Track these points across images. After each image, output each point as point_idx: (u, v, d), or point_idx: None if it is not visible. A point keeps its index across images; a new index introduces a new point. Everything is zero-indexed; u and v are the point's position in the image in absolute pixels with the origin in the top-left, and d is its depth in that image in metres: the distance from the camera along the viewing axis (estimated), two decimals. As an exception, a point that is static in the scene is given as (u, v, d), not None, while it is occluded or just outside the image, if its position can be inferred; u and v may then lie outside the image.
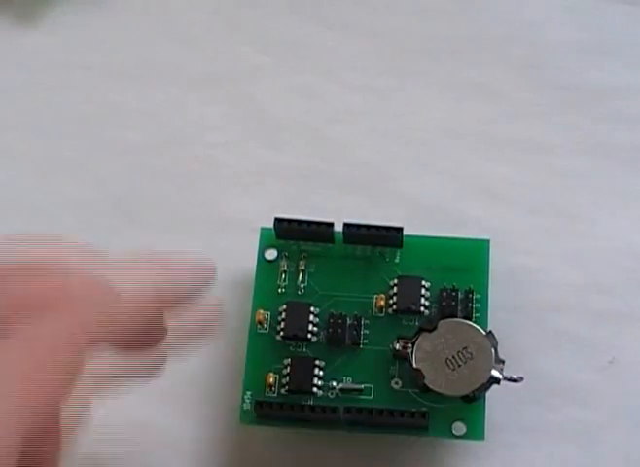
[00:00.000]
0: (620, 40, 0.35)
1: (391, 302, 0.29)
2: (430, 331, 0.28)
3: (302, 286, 0.30)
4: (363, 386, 0.28)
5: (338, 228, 0.30)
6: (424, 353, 0.28)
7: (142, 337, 0.22)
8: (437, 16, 0.36)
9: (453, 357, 0.28)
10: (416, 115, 0.34)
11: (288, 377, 0.28)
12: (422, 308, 0.29)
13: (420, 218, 0.31)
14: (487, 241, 0.30)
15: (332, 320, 0.29)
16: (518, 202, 0.33)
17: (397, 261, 0.30)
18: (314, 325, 0.29)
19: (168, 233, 0.33)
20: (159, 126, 0.34)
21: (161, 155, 0.34)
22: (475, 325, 0.28)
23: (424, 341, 0.28)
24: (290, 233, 0.30)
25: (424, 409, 0.28)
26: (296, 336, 0.29)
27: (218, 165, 0.34)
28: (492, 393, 0.28)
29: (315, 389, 0.28)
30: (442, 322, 0.28)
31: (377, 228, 0.30)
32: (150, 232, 0.32)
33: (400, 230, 0.30)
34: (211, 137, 0.34)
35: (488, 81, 0.35)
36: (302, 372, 0.28)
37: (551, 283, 0.31)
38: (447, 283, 0.29)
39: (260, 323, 0.29)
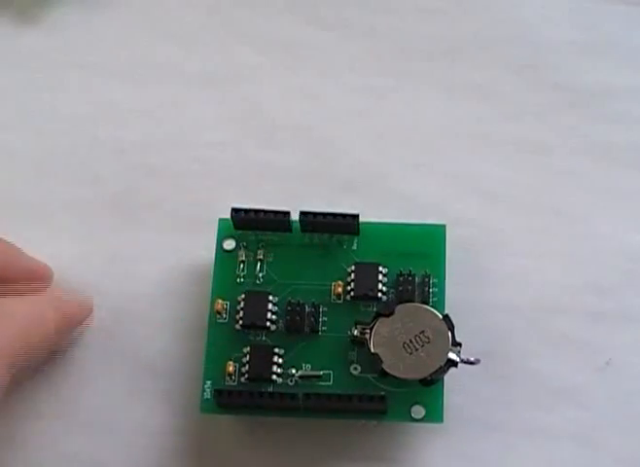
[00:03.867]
0: (618, 41, 0.35)
1: (348, 288, 0.29)
2: (387, 316, 0.28)
3: (260, 275, 0.30)
4: (322, 373, 0.29)
5: (295, 217, 0.30)
6: (382, 338, 0.28)
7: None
8: (435, 16, 0.36)
9: (411, 341, 0.28)
10: (414, 115, 0.34)
11: (247, 366, 0.28)
12: (380, 294, 0.29)
13: (417, 218, 0.31)
14: (443, 226, 0.30)
15: (290, 308, 0.29)
16: (516, 203, 0.33)
17: (354, 248, 0.30)
18: (273, 313, 0.29)
19: (166, 232, 0.32)
20: (156, 126, 0.34)
21: (159, 154, 0.34)
22: (432, 309, 0.28)
23: (382, 326, 0.28)
24: (247, 223, 0.30)
25: (382, 393, 0.28)
26: (254, 325, 0.29)
27: (215, 165, 0.33)
28: (486, 397, 0.29)
29: (275, 377, 0.28)
30: (399, 307, 0.28)
31: (334, 215, 0.30)
32: (147, 231, 0.32)
33: (356, 217, 0.30)
34: (209, 137, 0.34)
35: (486, 81, 0.34)
36: (262, 360, 0.29)
37: (547, 284, 0.31)
38: (404, 268, 0.30)
39: (219, 313, 0.29)
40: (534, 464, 0.29)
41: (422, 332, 0.28)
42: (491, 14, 0.36)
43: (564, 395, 0.30)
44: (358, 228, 0.30)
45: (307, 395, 0.27)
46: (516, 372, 0.30)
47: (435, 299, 0.29)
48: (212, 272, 0.30)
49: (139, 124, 0.34)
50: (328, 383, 0.29)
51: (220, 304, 0.29)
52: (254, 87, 0.35)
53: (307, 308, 0.29)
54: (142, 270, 0.32)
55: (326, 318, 0.29)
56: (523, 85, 0.34)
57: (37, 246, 0.30)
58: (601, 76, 0.34)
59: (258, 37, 0.36)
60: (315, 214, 0.30)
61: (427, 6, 0.36)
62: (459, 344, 0.28)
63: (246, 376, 0.28)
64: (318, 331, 0.29)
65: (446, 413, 0.28)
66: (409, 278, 0.29)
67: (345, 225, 0.30)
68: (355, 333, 0.28)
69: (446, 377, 0.28)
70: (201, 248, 0.31)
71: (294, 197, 0.32)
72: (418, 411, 0.28)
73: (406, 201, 0.33)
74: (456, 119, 0.34)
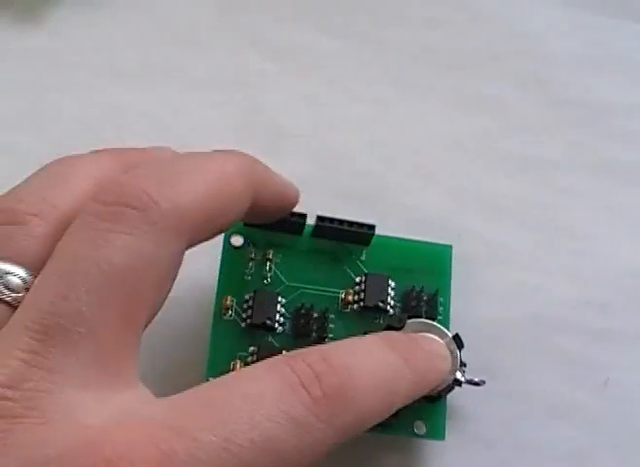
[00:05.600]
0: (626, 57, 0.36)
1: (357, 298, 0.29)
2: (398, 329, 0.28)
3: (268, 275, 0.29)
4: (328, 380, 0.28)
5: (310, 220, 0.30)
6: (392, 351, 0.28)
7: None
8: (444, 28, 0.36)
9: (420, 357, 0.28)
10: (420, 126, 0.34)
11: (254, 366, 0.28)
12: (388, 307, 0.29)
13: (420, 230, 0.31)
14: (450, 247, 0.31)
15: (300, 311, 0.29)
16: (519, 217, 0.33)
17: (362, 258, 0.30)
18: (281, 315, 0.29)
19: None
20: (160, 130, 0.33)
21: None
22: (442, 327, 0.29)
23: (392, 339, 0.28)
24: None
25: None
26: (264, 324, 0.28)
27: None
28: (485, 414, 0.29)
29: (281, 380, 0.28)
30: (409, 321, 0.28)
31: (350, 223, 0.30)
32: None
33: (373, 227, 0.30)
34: (213, 143, 0.33)
35: (494, 94, 0.35)
36: (269, 361, 0.28)
37: (548, 300, 0.32)
38: (416, 284, 0.30)
39: (226, 309, 0.29)
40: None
41: (431, 349, 0.28)
42: (501, 27, 0.36)
43: (563, 413, 0.30)
44: (371, 239, 0.30)
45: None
46: (515, 388, 0.30)
47: (440, 318, 0.30)
48: (218, 269, 0.29)
49: (144, 127, 0.33)
50: (332, 391, 0.28)
51: (228, 299, 0.29)
52: (260, 93, 0.35)
53: (316, 314, 0.29)
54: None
55: (333, 325, 0.29)
56: (531, 99, 0.35)
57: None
58: (610, 92, 0.35)
59: (265, 43, 0.35)
60: (332, 220, 0.30)
61: (437, 17, 0.36)
62: (464, 364, 0.29)
63: (253, 376, 0.28)
64: (325, 337, 0.29)
65: (447, 430, 0.28)
66: (418, 294, 0.29)
67: (361, 234, 0.30)
68: (365, 343, 0.28)
69: (448, 394, 0.29)
70: (205, 253, 0.30)
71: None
72: (420, 426, 0.28)
73: (409, 213, 0.33)
74: (462, 131, 0.34)
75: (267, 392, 0.21)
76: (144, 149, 0.27)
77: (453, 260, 0.30)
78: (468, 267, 0.32)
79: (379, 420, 0.23)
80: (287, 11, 0.36)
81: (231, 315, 0.29)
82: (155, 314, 0.23)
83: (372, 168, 0.34)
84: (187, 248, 0.23)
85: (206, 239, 0.24)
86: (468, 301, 0.31)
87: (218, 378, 0.22)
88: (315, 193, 0.32)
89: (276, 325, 0.28)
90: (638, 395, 0.31)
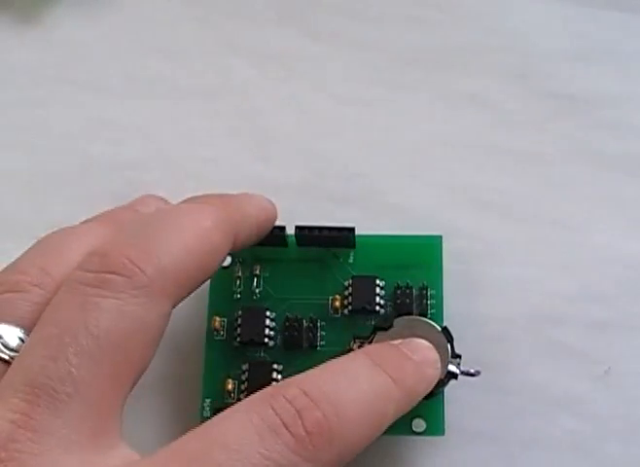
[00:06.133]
0: (612, 48, 0.35)
1: (346, 302, 0.29)
2: (386, 329, 0.28)
3: (257, 291, 0.30)
4: (322, 388, 0.28)
5: (290, 231, 0.30)
6: (381, 352, 0.28)
7: None
8: (426, 26, 0.35)
9: (410, 354, 0.28)
10: (408, 126, 0.34)
11: (246, 383, 0.28)
12: (377, 307, 0.29)
13: (413, 229, 0.31)
14: (440, 237, 0.30)
15: (288, 323, 0.29)
16: (511, 212, 0.32)
17: (351, 261, 0.30)
18: (271, 329, 0.29)
19: None
20: (149, 142, 0.34)
21: (153, 170, 0.34)
22: (430, 321, 0.28)
23: (380, 340, 0.28)
24: (243, 239, 0.30)
25: (383, 407, 0.28)
26: (252, 341, 0.29)
27: (208, 180, 0.33)
28: (486, 409, 0.29)
29: (274, 393, 0.28)
30: (397, 320, 0.28)
31: (329, 229, 0.30)
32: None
33: (352, 230, 0.30)
34: (201, 151, 0.34)
35: (480, 91, 0.34)
36: (261, 376, 0.28)
37: (545, 293, 0.31)
38: (402, 281, 0.29)
39: (216, 330, 0.29)
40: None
41: (421, 344, 0.28)
42: (484, 23, 0.35)
43: (563, 405, 0.30)
44: (354, 241, 0.30)
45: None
46: (515, 382, 0.30)
47: (433, 311, 0.29)
48: (208, 289, 0.30)
49: (132, 139, 0.34)
50: (328, 399, 0.28)
51: (217, 321, 0.29)
52: (246, 100, 0.35)
53: (305, 323, 0.29)
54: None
55: (324, 333, 0.29)
56: (518, 93, 0.34)
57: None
58: (596, 84, 0.34)
59: (249, 49, 0.36)
60: (311, 228, 0.30)
61: (419, 16, 0.36)
62: (459, 356, 0.28)
63: (245, 393, 0.28)
64: (317, 346, 0.29)
65: (446, 426, 0.28)
66: (407, 291, 0.29)
67: (341, 238, 0.30)
68: (354, 347, 0.28)
69: (446, 389, 0.28)
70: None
71: (288, 210, 0.31)
72: (419, 424, 0.28)
73: (401, 213, 0.32)
74: (450, 128, 0.34)
75: (247, 439, 0.21)
76: (132, 206, 0.29)
77: (448, 257, 0.30)
78: (462, 264, 0.31)
79: (369, 443, 0.23)
80: (270, 15, 0.36)
81: (223, 335, 0.29)
82: (143, 372, 0.23)
83: (361, 170, 0.33)
84: (173, 307, 0.24)
85: (190, 293, 0.25)
86: (463, 298, 0.31)
87: (199, 428, 0.22)
88: (306, 197, 0.33)
89: (266, 340, 0.29)
90: (639, 385, 0.30)
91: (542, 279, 0.31)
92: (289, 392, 0.22)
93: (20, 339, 0.23)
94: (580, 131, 0.34)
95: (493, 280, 0.31)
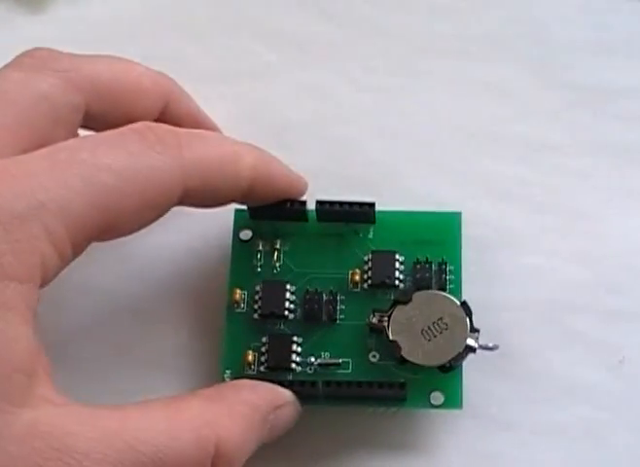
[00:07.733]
0: (632, 39, 0.35)
1: (365, 277, 0.30)
2: (405, 303, 0.28)
3: (277, 265, 0.30)
4: (341, 360, 0.29)
5: (311, 206, 0.30)
6: (400, 325, 0.28)
7: None
8: (447, 14, 0.35)
9: (429, 328, 0.28)
10: (426, 114, 0.34)
11: (267, 355, 0.29)
12: (397, 282, 0.29)
13: None
14: (459, 214, 0.31)
15: (308, 297, 0.29)
16: (528, 201, 0.33)
17: (370, 236, 0.30)
18: (291, 302, 0.29)
19: (181, 226, 0.32)
20: None
21: None
22: (449, 296, 0.29)
23: (399, 314, 0.28)
24: (264, 213, 0.30)
25: (402, 379, 0.28)
26: (273, 314, 0.29)
27: None
28: (501, 396, 0.29)
29: (294, 365, 0.29)
30: (416, 294, 0.29)
31: (350, 204, 0.30)
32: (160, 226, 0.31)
33: (372, 205, 0.30)
34: None
35: (500, 80, 0.34)
36: (281, 349, 0.29)
37: (560, 283, 0.31)
38: (421, 256, 0.30)
39: (237, 302, 0.30)
40: (549, 462, 0.29)
41: (440, 318, 0.28)
42: (504, 12, 0.35)
43: (578, 393, 0.30)
44: (374, 216, 0.30)
45: (327, 383, 0.27)
46: (531, 370, 0.30)
47: (452, 286, 0.29)
48: (229, 263, 0.30)
49: None
50: (347, 371, 0.29)
51: (238, 293, 0.30)
52: (266, 84, 0.35)
53: (325, 297, 0.29)
54: (157, 269, 0.32)
55: (344, 306, 0.30)
56: (537, 83, 0.34)
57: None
58: (615, 74, 0.34)
59: (270, 34, 0.36)
60: (332, 203, 0.30)
61: (440, 4, 0.36)
62: (477, 330, 0.28)
63: (265, 364, 0.29)
64: (336, 319, 0.29)
65: (462, 410, 0.28)
66: (426, 266, 0.29)
67: (362, 213, 0.30)
68: (373, 320, 0.29)
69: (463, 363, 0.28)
70: (215, 241, 0.32)
71: (306, 195, 0.32)
72: (437, 397, 0.28)
73: (419, 201, 0.32)
74: (470, 117, 0.34)
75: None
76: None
77: (465, 244, 0.30)
78: (480, 252, 0.31)
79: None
80: (291, 1, 0.36)
81: (243, 308, 0.30)
82: None
83: (379, 157, 0.34)
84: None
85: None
86: (481, 285, 0.31)
87: None
88: (324, 183, 0.33)
89: (286, 312, 0.29)
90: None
91: (558, 268, 0.31)
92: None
93: None
94: (598, 122, 0.34)
95: (510, 268, 0.31)
